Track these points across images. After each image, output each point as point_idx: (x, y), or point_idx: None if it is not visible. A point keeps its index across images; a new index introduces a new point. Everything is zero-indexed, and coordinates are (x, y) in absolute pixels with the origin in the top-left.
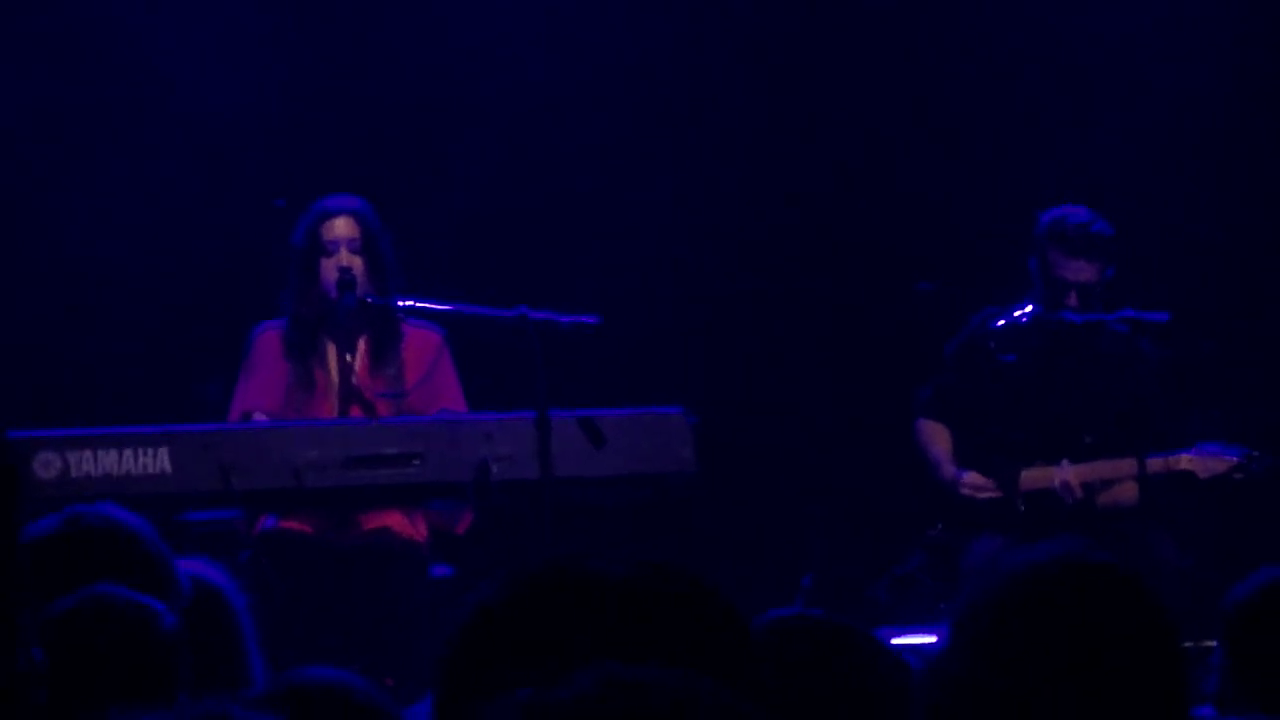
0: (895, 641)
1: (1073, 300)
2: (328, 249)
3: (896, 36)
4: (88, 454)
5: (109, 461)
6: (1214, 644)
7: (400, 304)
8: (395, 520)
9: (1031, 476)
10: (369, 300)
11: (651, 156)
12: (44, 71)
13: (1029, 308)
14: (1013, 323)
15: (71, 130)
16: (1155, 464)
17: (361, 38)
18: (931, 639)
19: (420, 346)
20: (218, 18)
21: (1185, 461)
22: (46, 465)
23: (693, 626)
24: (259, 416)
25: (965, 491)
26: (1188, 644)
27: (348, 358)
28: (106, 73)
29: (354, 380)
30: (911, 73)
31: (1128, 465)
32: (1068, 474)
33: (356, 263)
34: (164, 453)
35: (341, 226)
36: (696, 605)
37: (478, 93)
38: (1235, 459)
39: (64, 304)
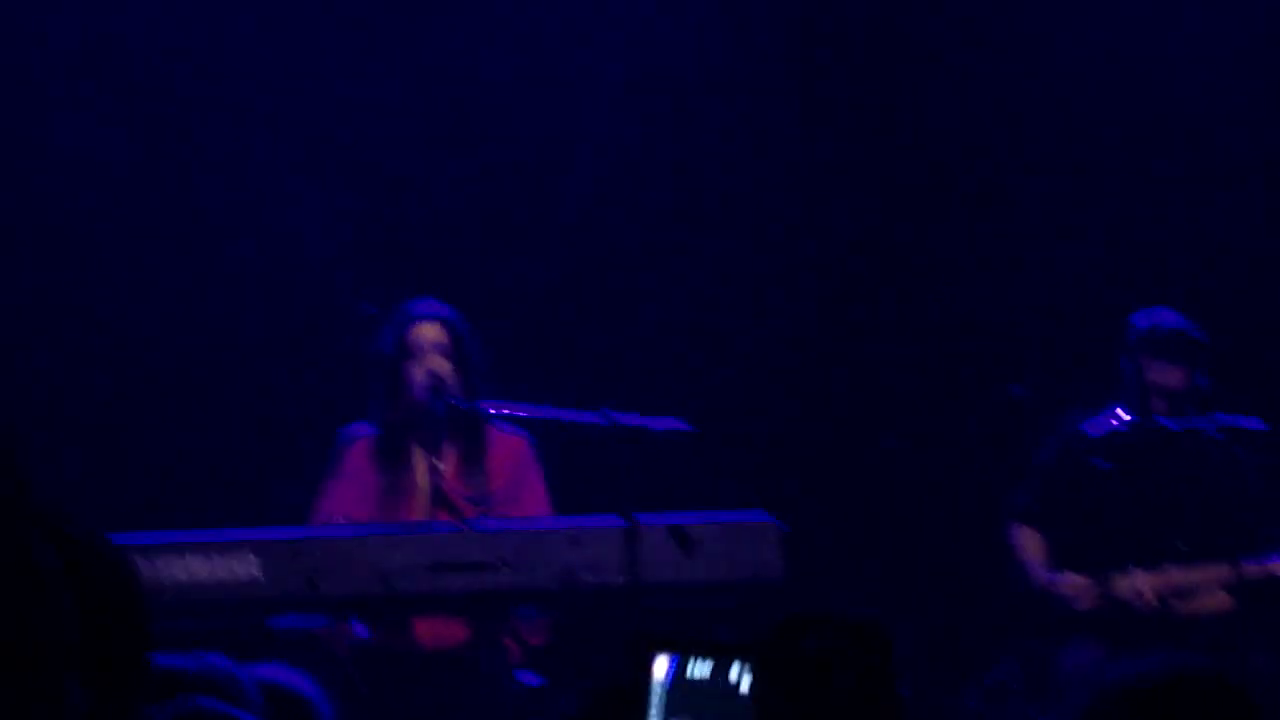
0: None
1: (1162, 405)
2: (415, 354)
3: (990, 136)
4: (176, 560)
5: (198, 568)
6: None
7: (488, 409)
8: (482, 627)
9: (1124, 583)
10: (457, 405)
11: (741, 261)
12: (129, 171)
13: (1120, 413)
14: (1108, 428)
15: (158, 228)
16: (1250, 570)
17: (434, 142)
18: None
19: (507, 452)
20: (292, 131)
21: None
22: None
23: None
24: (338, 520)
25: (1062, 591)
26: None
27: (436, 464)
28: (186, 174)
29: (442, 486)
30: (1008, 172)
31: (1222, 572)
32: (1140, 582)
33: (445, 367)
34: (252, 559)
35: (429, 331)
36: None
37: (557, 197)
38: None
39: (148, 406)
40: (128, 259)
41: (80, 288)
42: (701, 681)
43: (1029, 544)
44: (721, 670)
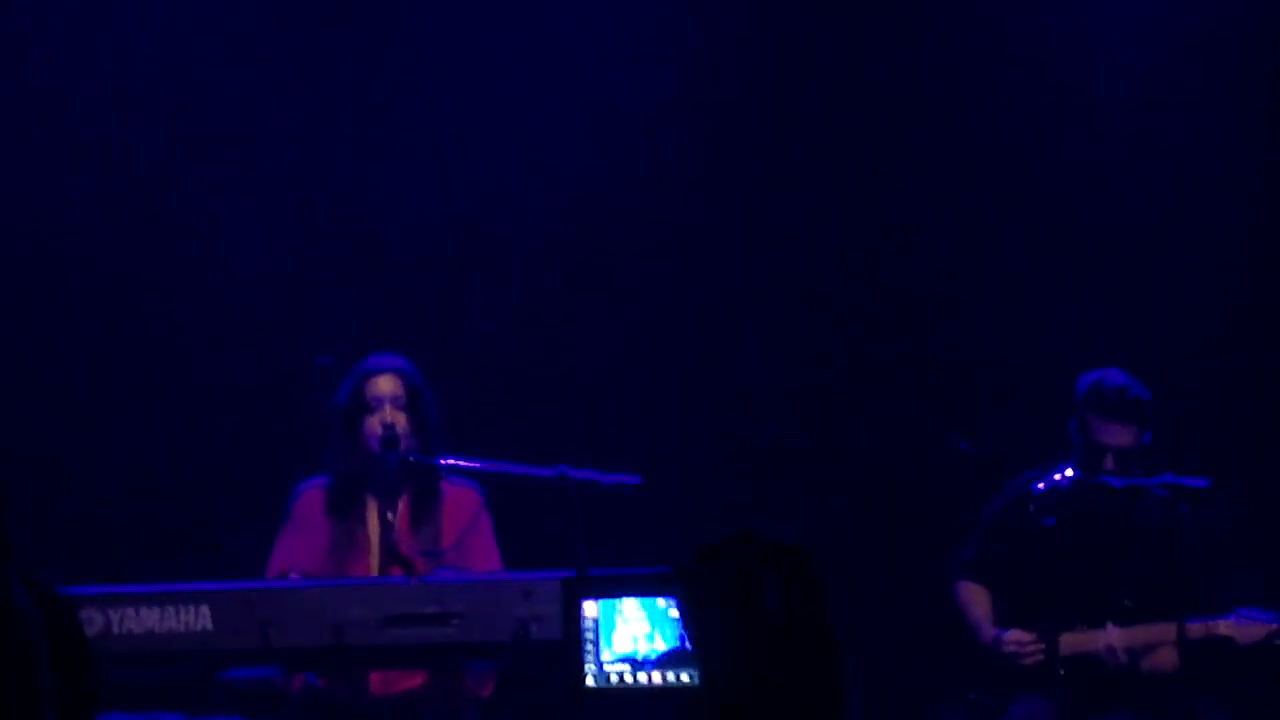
0: None
1: (1110, 464)
2: (371, 406)
3: (938, 186)
4: (130, 611)
5: (151, 619)
6: None
7: (441, 462)
8: (432, 680)
9: (1072, 640)
10: (411, 458)
11: (686, 315)
12: (86, 216)
13: (1068, 471)
14: (1053, 486)
15: (115, 276)
16: (1195, 630)
17: (389, 188)
18: None
19: (458, 505)
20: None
21: (1224, 628)
22: (90, 623)
23: None
24: (294, 575)
25: (1008, 649)
26: None
27: (389, 516)
28: (145, 221)
29: (394, 538)
30: (962, 228)
31: (1168, 631)
32: (1113, 638)
33: (400, 420)
34: (205, 610)
35: (385, 384)
36: None
37: (507, 247)
38: (1275, 625)
39: (102, 457)
40: (87, 306)
41: (39, 333)
42: (633, 617)
43: (975, 599)
44: (651, 603)
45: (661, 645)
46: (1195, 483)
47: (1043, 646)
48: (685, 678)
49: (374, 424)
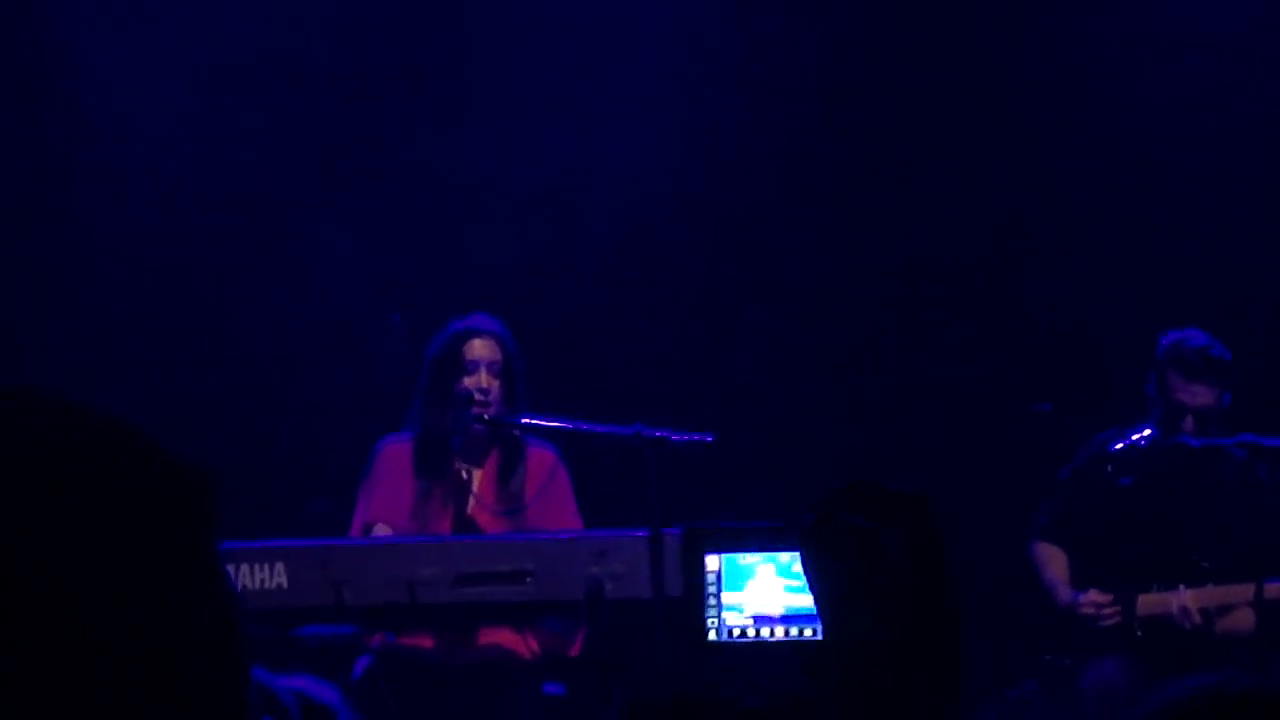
0: None
1: (1189, 424)
2: (468, 368)
3: (1018, 149)
4: None
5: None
6: None
7: (523, 422)
8: (508, 638)
9: (1148, 601)
10: (498, 419)
11: (762, 275)
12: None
13: (1146, 431)
14: (1131, 446)
15: (187, 238)
16: (1272, 590)
17: (466, 148)
18: None
19: (536, 464)
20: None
21: None
22: None
23: None
24: (380, 529)
25: (1084, 610)
26: None
27: (474, 474)
28: (215, 180)
29: (476, 497)
30: (1039, 191)
31: (1245, 591)
32: (1185, 599)
33: (494, 385)
34: (280, 567)
35: (482, 348)
36: None
37: (589, 211)
38: None
39: (180, 415)
40: (162, 265)
41: (116, 292)
42: (754, 571)
43: (1052, 561)
44: (772, 557)
45: (783, 600)
46: (1274, 443)
47: (1119, 609)
48: (807, 632)
49: (469, 386)
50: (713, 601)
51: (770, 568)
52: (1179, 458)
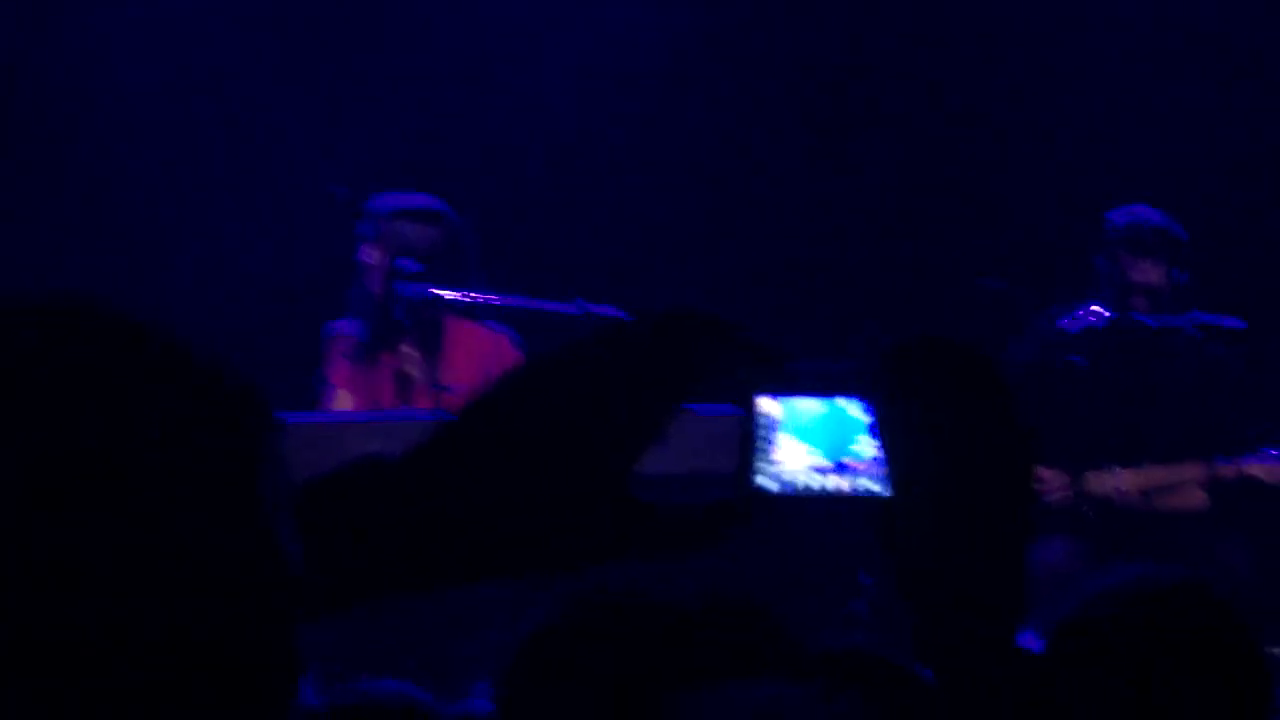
0: None
1: (1140, 303)
2: (388, 247)
3: (961, 31)
4: None
5: None
6: None
7: (445, 296)
8: None
9: (1097, 479)
10: (415, 297)
11: (703, 160)
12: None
13: (1096, 308)
14: (1083, 324)
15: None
16: (1224, 470)
17: (414, 32)
18: None
19: (480, 346)
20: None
21: (1254, 468)
22: None
23: (755, 663)
24: (342, 397)
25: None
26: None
27: (413, 356)
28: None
29: (412, 379)
30: (979, 67)
31: (1196, 470)
32: (1124, 479)
33: (416, 262)
34: None
35: (412, 229)
36: (763, 642)
37: (539, 82)
38: None
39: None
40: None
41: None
42: (813, 415)
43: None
44: (834, 403)
45: (845, 449)
46: (1229, 323)
47: (1068, 487)
48: (868, 485)
49: (387, 265)
50: (765, 448)
51: (832, 414)
52: (1133, 336)
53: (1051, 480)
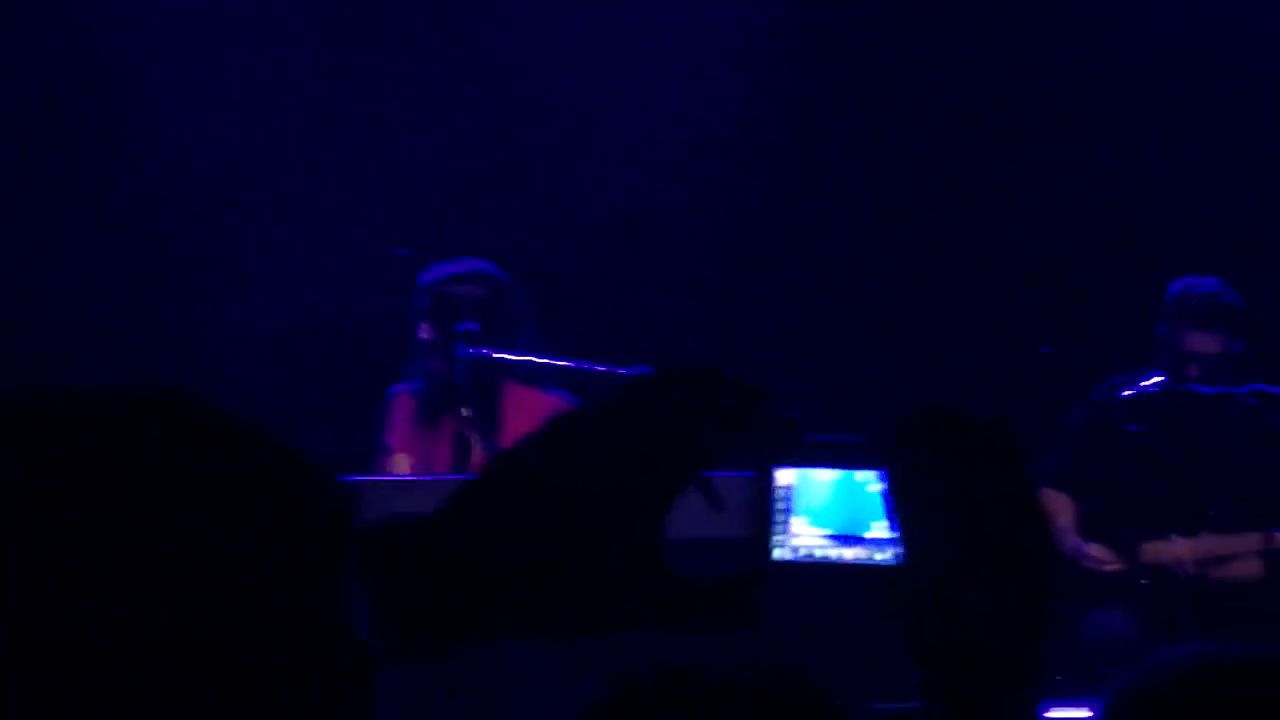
0: None
1: (1195, 372)
2: (447, 312)
3: (1028, 98)
4: None
5: None
6: None
7: (503, 360)
8: None
9: (1154, 549)
10: (478, 362)
11: (769, 219)
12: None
13: (1156, 378)
14: (1139, 392)
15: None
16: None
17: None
18: (1056, 713)
19: (538, 410)
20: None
21: None
22: None
23: None
24: (400, 460)
25: (1087, 564)
26: None
27: (472, 419)
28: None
29: (468, 442)
30: (1045, 136)
31: (1252, 541)
32: (1181, 549)
33: (478, 329)
34: None
35: (465, 290)
36: (816, 715)
37: (601, 142)
38: None
39: (194, 367)
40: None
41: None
42: (828, 486)
43: (1057, 508)
44: (848, 476)
45: (858, 520)
46: None
47: (1123, 560)
48: (881, 556)
49: (446, 330)
50: (781, 519)
51: (846, 486)
52: (1189, 405)
53: (1106, 557)
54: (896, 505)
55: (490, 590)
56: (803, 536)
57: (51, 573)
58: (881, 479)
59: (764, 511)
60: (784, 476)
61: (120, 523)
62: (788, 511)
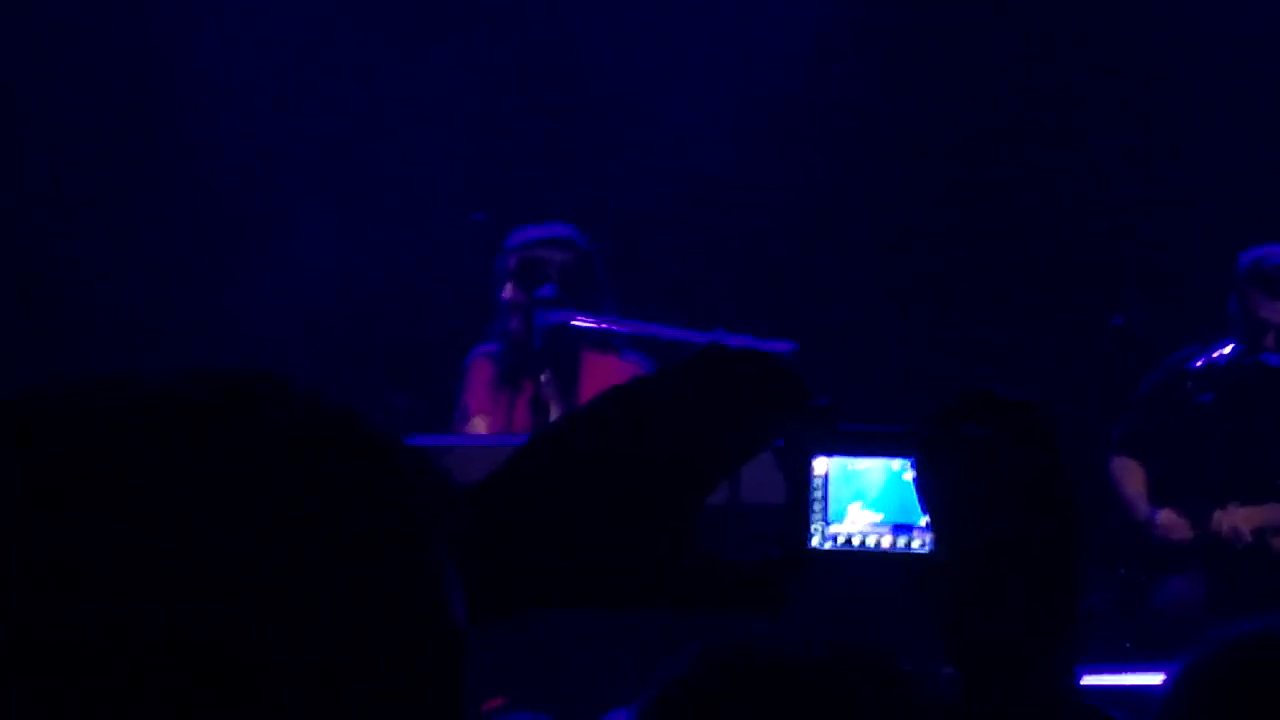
0: (1085, 680)
1: (1270, 342)
2: (524, 278)
3: (1104, 69)
4: None
5: None
6: None
7: (583, 327)
8: None
9: (1220, 518)
10: (554, 327)
11: (843, 185)
12: (257, 104)
13: (1228, 348)
14: (1210, 362)
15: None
16: None
17: (556, 48)
18: (1125, 679)
19: (615, 375)
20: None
21: None
22: None
23: (888, 713)
24: (478, 423)
25: (1158, 532)
26: None
27: (550, 383)
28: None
29: (551, 406)
30: (1119, 105)
31: None
32: (1236, 517)
33: (561, 295)
34: None
35: (548, 254)
36: (891, 696)
37: (671, 109)
38: None
39: (267, 319)
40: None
41: (223, 226)
42: (864, 475)
43: (1129, 476)
44: (884, 464)
45: (893, 508)
46: None
47: (1190, 527)
48: (916, 544)
49: (524, 295)
50: (818, 507)
51: (882, 474)
52: (1258, 375)
53: (1177, 523)
54: (928, 491)
55: (533, 557)
56: (837, 524)
57: (187, 571)
58: (913, 466)
59: (800, 498)
60: (820, 464)
61: (225, 517)
62: (824, 499)
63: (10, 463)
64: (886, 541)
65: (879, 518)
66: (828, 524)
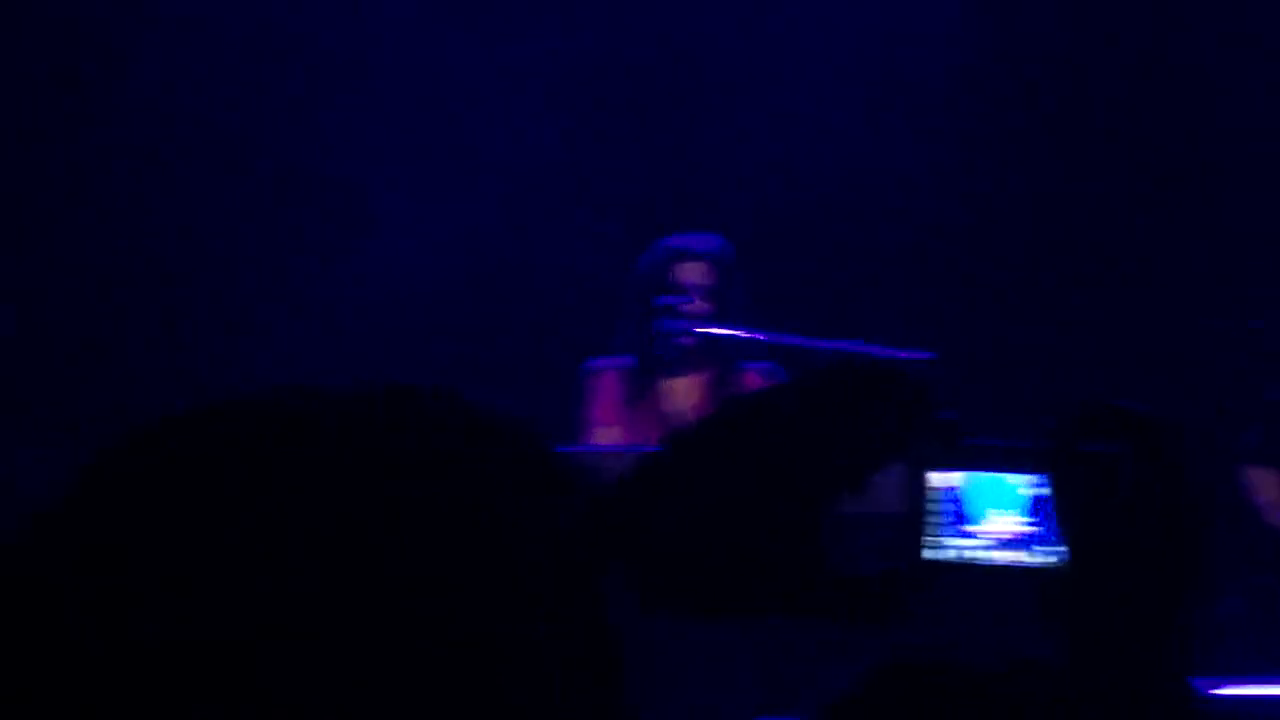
0: (1215, 692)
1: None
2: (677, 292)
3: (1242, 65)
4: None
5: None
6: None
7: (734, 339)
8: None
9: None
10: (706, 339)
11: (992, 188)
12: (345, 104)
13: None
14: None
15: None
16: None
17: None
18: (1257, 690)
19: (749, 386)
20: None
21: None
22: None
23: None
24: (603, 434)
25: None
26: None
27: (684, 396)
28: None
29: (675, 415)
30: (1255, 103)
31: None
32: None
33: (704, 305)
34: None
35: (693, 271)
36: (1065, 702)
37: (802, 102)
38: None
39: (365, 330)
40: (348, 181)
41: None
42: (993, 488)
43: (1262, 483)
44: (1000, 478)
45: (1012, 522)
46: None
47: None
48: (1037, 558)
49: (677, 308)
50: (940, 520)
51: (1010, 488)
52: None
53: None
54: (1058, 505)
55: (659, 568)
56: (957, 538)
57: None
58: (1043, 483)
59: (917, 511)
60: (939, 479)
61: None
62: (942, 513)
63: (243, 463)
64: (1008, 555)
65: (1007, 532)
66: (957, 536)
